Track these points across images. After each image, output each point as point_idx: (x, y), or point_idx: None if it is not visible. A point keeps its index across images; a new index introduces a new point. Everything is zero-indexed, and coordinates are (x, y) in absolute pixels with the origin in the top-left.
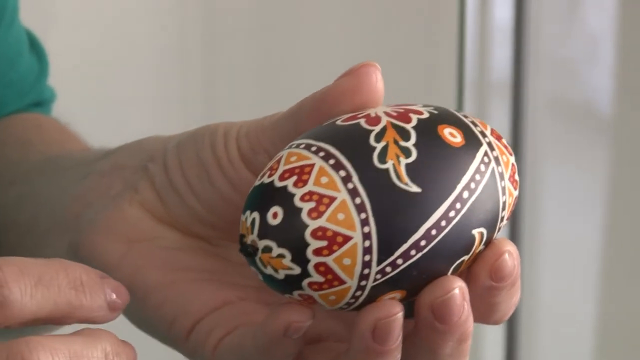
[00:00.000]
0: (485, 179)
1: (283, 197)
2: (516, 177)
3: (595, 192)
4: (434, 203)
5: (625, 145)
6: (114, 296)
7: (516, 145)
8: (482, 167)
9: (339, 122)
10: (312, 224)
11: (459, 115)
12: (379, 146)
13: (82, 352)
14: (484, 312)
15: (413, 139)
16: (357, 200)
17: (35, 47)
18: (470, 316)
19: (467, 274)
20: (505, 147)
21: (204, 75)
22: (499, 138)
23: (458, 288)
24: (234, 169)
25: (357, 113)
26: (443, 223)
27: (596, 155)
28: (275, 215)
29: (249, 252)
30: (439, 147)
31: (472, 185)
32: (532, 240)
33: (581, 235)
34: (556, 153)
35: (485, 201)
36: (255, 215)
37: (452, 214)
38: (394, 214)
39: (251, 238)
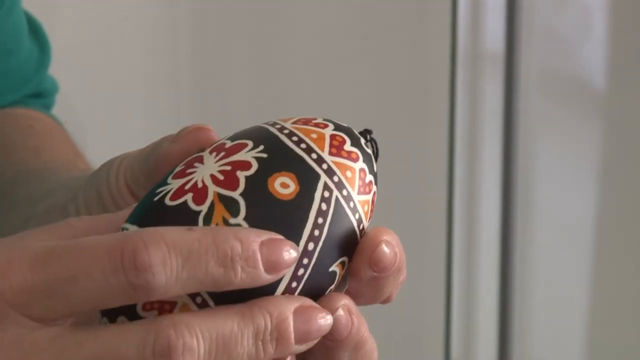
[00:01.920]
0: (329, 216)
1: None
2: (368, 178)
3: (588, 166)
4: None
5: (618, 120)
6: (274, 256)
7: (508, 119)
8: (324, 206)
9: (167, 201)
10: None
11: (290, 145)
12: None
13: (231, 334)
14: (372, 297)
15: (243, 212)
16: (198, 300)
17: (38, 35)
18: (362, 325)
19: (349, 268)
20: (349, 155)
21: (195, 75)
22: (340, 147)
23: (341, 307)
24: (122, 198)
25: (184, 182)
26: (294, 284)
27: (589, 130)
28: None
29: None
30: (271, 208)
31: (316, 232)
32: (524, 217)
33: (574, 211)
34: (548, 127)
35: (337, 236)
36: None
37: (301, 271)
38: (237, 293)
39: None
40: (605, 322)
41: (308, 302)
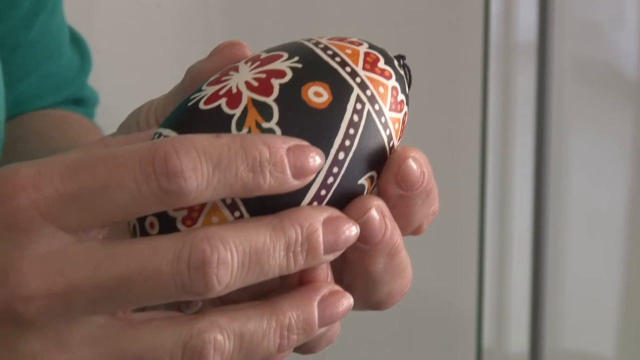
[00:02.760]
0: (360, 128)
1: None
2: (400, 97)
3: (620, 155)
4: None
5: None
6: (300, 162)
7: (541, 110)
8: (355, 118)
9: (201, 105)
10: (183, 228)
11: (325, 57)
12: None
13: (264, 247)
14: (401, 222)
15: (276, 117)
16: (228, 201)
17: (78, 44)
18: (395, 230)
19: (377, 187)
20: (382, 72)
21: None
22: (373, 64)
23: (374, 207)
24: None
25: (219, 88)
26: (323, 192)
27: (622, 118)
28: (151, 224)
29: None
30: (304, 116)
31: (347, 142)
32: (557, 204)
33: (606, 199)
34: (581, 116)
35: (367, 149)
36: (135, 222)
37: (330, 180)
38: (268, 200)
39: None
40: (637, 311)
41: (336, 212)
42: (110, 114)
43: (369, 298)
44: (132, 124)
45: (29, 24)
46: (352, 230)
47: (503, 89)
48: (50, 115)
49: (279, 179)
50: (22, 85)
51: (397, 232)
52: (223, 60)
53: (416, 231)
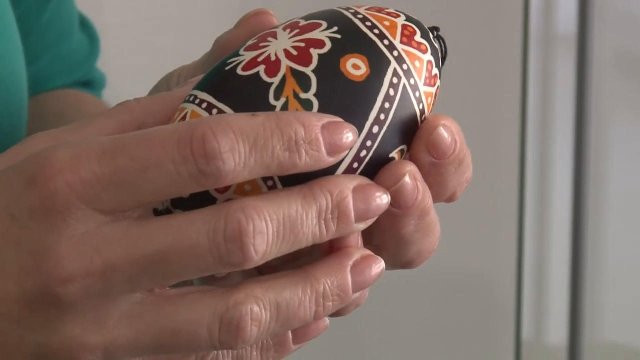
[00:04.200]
0: (396, 102)
1: None
2: (434, 71)
3: None
4: None
5: None
6: (335, 139)
7: (581, 100)
8: (392, 92)
9: (239, 71)
10: (221, 197)
11: (364, 29)
12: (279, 104)
13: (297, 215)
14: (434, 190)
15: (314, 88)
16: (270, 183)
17: (87, 28)
18: (427, 192)
19: (408, 156)
20: (419, 45)
21: None
22: (411, 37)
23: (408, 173)
24: None
25: (257, 54)
26: (355, 165)
27: None
28: None
29: None
30: (342, 88)
31: (382, 116)
32: (597, 196)
33: None
34: (621, 107)
35: (400, 123)
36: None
37: (363, 153)
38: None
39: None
40: None
41: (366, 181)
42: (119, 97)
43: (399, 258)
44: (163, 90)
45: (40, 9)
46: (383, 199)
47: (543, 81)
48: (65, 95)
49: (314, 156)
50: (33, 68)
51: (428, 194)
52: (250, 30)
53: (450, 199)
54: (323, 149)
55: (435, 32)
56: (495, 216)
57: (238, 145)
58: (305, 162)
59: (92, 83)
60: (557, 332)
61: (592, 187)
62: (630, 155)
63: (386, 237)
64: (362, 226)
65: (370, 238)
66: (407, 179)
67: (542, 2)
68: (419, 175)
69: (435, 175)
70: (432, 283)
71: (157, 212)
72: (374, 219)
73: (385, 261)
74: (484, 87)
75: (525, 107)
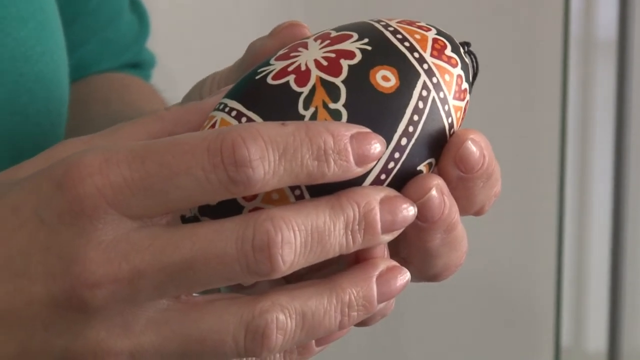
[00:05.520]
0: (424, 115)
1: None
2: (464, 86)
3: None
4: None
5: None
6: (363, 149)
7: (621, 105)
8: (421, 104)
9: (269, 80)
10: (248, 205)
11: (394, 41)
12: (308, 114)
13: (324, 226)
14: (462, 204)
15: (343, 98)
16: (297, 192)
17: (136, 8)
18: (454, 207)
19: (437, 169)
20: (449, 59)
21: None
22: (441, 51)
23: (434, 187)
24: None
25: (287, 63)
26: (383, 176)
27: None
28: None
29: None
30: (370, 99)
31: (410, 128)
32: (636, 203)
33: None
34: None
35: (428, 136)
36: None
37: (391, 165)
38: (330, 184)
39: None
40: None
41: (393, 192)
42: (167, 75)
43: (425, 271)
44: (195, 97)
45: None
46: (409, 211)
47: (583, 86)
48: (110, 79)
49: (342, 166)
50: (80, 51)
51: (455, 209)
52: (283, 40)
53: (478, 212)
54: (351, 159)
55: (466, 47)
56: (534, 221)
57: (268, 153)
58: (333, 171)
59: (140, 64)
60: (597, 338)
61: (632, 192)
62: None
63: (412, 249)
64: (389, 237)
65: (397, 250)
66: (434, 192)
67: (582, 6)
68: (445, 189)
69: (462, 189)
70: (471, 289)
71: (185, 219)
72: (400, 231)
73: (412, 274)
74: (523, 93)
75: (565, 112)
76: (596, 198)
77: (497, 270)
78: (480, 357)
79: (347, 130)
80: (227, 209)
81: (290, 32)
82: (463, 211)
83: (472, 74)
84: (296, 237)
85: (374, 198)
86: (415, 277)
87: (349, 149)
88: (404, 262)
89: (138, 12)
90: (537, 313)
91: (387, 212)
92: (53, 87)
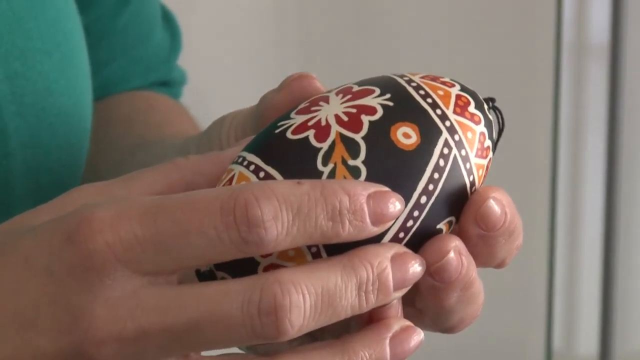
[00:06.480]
0: (445, 173)
1: None
2: (486, 143)
3: None
4: None
5: None
6: (380, 209)
7: (613, 109)
8: (442, 162)
9: (289, 134)
10: (263, 262)
11: (416, 97)
12: (327, 170)
13: (336, 288)
14: (482, 259)
15: (362, 155)
16: (313, 249)
17: (169, 23)
18: (471, 265)
19: (457, 228)
20: (472, 116)
21: (299, 36)
22: (464, 108)
23: (452, 249)
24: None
25: (308, 118)
26: (401, 235)
27: None
28: None
29: None
30: (391, 156)
31: (430, 187)
32: (628, 206)
33: None
34: None
35: (449, 194)
36: None
37: (410, 223)
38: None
39: None
40: None
41: (402, 249)
42: (197, 92)
43: (440, 324)
44: (215, 138)
45: (118, 11)
46: (418, 266)
47: (575, 90)
48: (136, 98)
49: (357, 227)
50: (108, 69)
51: (473, 267)
52: (293, 93)
53: (499, 265)
54: (367, 219)
55: (491, 103)
56: (526, 225)
57: (281, 213)
58: (348, 232)
59: (170, 82)
60: (588, 342)
61: (624, 195)
62: None
63: (428, 306)
64: (399, 294)
65: (413, 301)
66: (452, 254)
67: (575, 10)
68: (464, 250)
69: (483, 246)
70: None
71: (200, 274)
72: (410, 287)
73: (426, 325)
74: (516, 96)
75: (557, 116)
76: (588, 201)
77: (489, 272)
78: (471, 356)
79: (364, 190)
80: (242, 264)
81: (299, 84)
82: (484, 265)
83: (497, 130)
84: (306, 300)
85: (386, 257)
86: (431, 328)
87: (365, 209)
88: (419, 313)
89: (171, 29)
90: (529, 316)
91: (397, 269)
92: (75, 121)
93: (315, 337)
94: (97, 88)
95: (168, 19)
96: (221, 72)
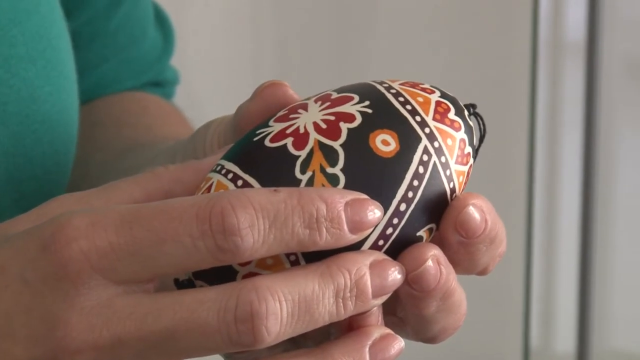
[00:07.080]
0: (425, 180)
1: None
2: (467, 150)
3: None
4: None
5: None
6: (358, 217)
7: (590, 107)
8: (421, 169)
9: (267, 142)
10: (242, 270)
11: (396, 104)
12: (305, 178)
13: (313, 295)
14: (464, 267)
15: (341, 162)
16: (292, 258)
17: (162, 23)
18: (451, 274)
19: (437, 235)
20: (452, 123)
21: (276, 37)
22: (444, 114)
23: (430, 258)
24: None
25: (286, 125)
26: (381, 242)
27: None
28: None
29: None
30: (369, 164)
31: (410, 194)
32: (605, 204)
33: None
34: (630, 114)
35: (429, 201)
36: None
37: (389, 231)
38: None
39: None
40: None
41: (381, 255)
42: (190, 92)
43: (421, 334)
44: (200, 143)
45: (109, 13)
46: (397, 274)
47: (552, 88)
48: (127, 100)
49: (335, 235)
50: (100, 70)
51: (453, 276)
52: (265, 101)
53: (481, 272)
54: (345, 227)
55: (472, 109)
56: (504, 222)
57: (257, 221)
58: (325, 240)
59: (163, 83)
60: (566, 339)
61: (601, 193)
62: (638, 162)
63: (409, 314)
64: (378, 302)
65: (394, 310)
66: (430, 263)
67: (551, 8)
68: (442, 259)
69: (464, 253)
70: None
71: (178, 283)
72: (390, 294)
73: (408, 334)
74: (492, 94)
75: (534, 113)
76: (565, 199)
77: None
78: (449, 358)
79: (341, 197)
80: (221, 273)
81: (271, 92)
82: (465, 272)
83: (479, 136)
84: (282, 307)
85: (364, 263)
86: (413, 337)
87: (343, 216)
88: (401, 321)
89: (164, 29)
90: (506, 314)
91: (376, 276)
92: (60, 128)
93: (299, 344)
94: (88, 90)
95: (161, 19)
96: (215, 72)
